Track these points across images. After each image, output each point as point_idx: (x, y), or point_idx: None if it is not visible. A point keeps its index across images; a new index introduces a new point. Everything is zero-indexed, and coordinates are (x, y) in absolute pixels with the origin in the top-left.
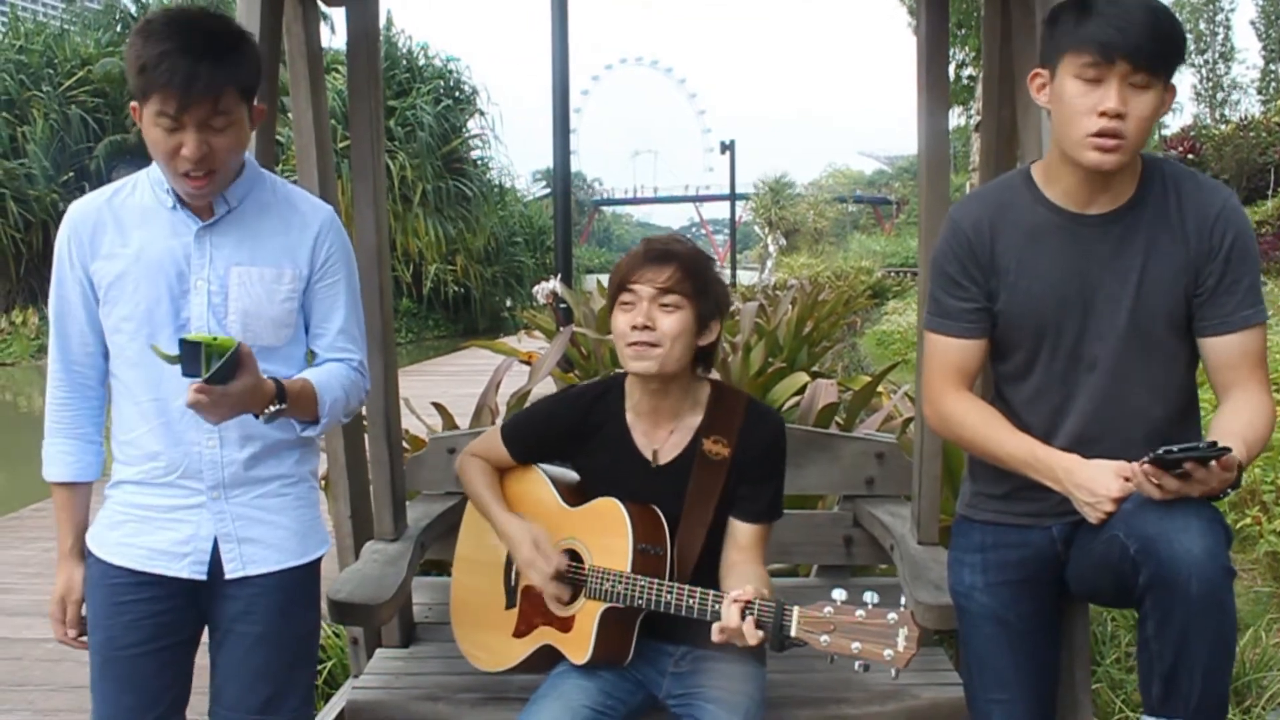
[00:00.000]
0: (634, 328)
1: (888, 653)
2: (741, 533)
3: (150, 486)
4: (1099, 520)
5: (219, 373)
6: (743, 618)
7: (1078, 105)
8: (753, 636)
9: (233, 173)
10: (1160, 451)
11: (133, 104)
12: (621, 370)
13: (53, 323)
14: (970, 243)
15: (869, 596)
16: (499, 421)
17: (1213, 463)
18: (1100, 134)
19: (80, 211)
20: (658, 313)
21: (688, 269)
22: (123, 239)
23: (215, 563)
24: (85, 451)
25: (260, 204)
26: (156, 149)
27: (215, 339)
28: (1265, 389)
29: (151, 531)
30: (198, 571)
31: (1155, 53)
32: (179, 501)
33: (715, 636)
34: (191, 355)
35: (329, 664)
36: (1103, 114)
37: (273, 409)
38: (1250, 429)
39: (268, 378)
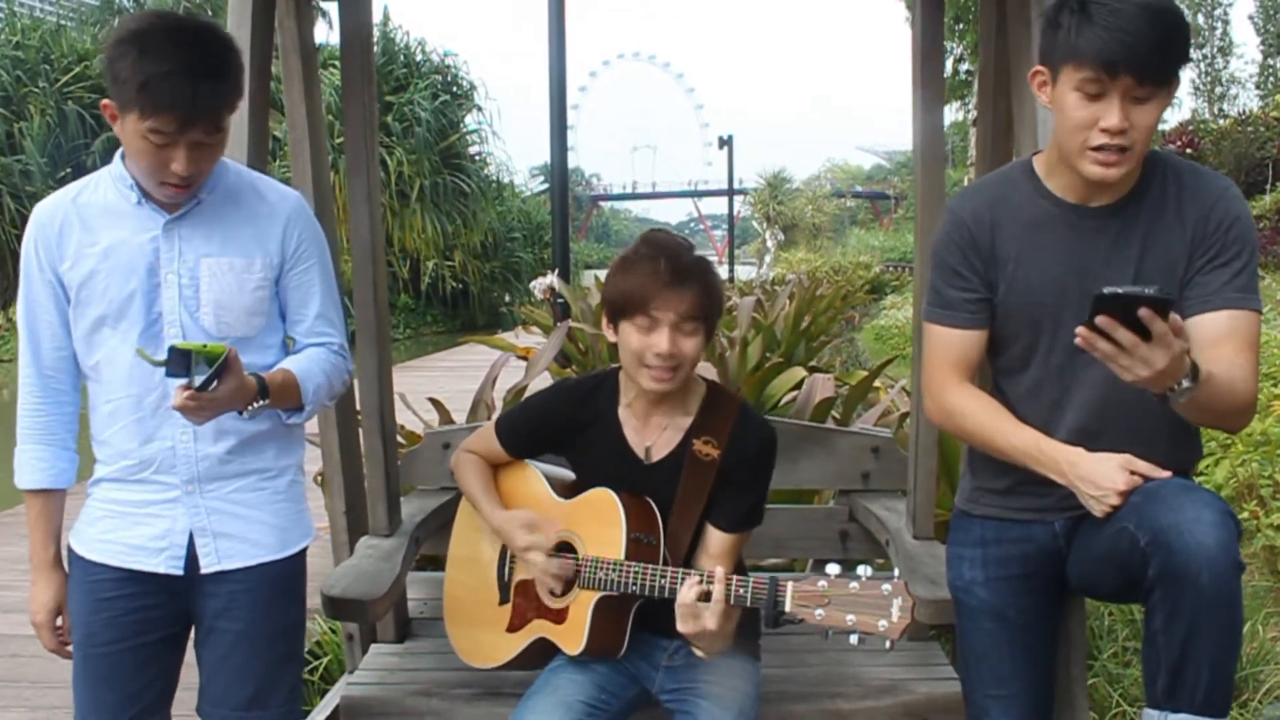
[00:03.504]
0: (659, 355)
1: (882, 623)
2: (715, 540)
3: (126, 483)
4: (1104, 514)
5: (209, 380)
6: (736, 598)
7: (1078, 119)
8: (712, 620)
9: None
10: (1106, 291)
11: (106, 103)
12: (616, 365)
13: (23, 327)
14: (971, 233)
15: (863, 569)
16: (495, 416)
17: (1171, 317)
18: (1102, 147)
19: (46, 213)
20: (681, 338)
21: (706, 290)
22: (90, 238)
23: (193, 558)
24: (59, 458)
25: (226, 194)
26: (141, 159)
27: (205, 346)
28: (1251, 369)
29: (129, 527)
30: (174, 566)
31: (1160, 64)
32: (154, 496)
33: (680, 625)
34: (180, 361)
35: (324, 660)
36: (1104, 130)
37: (256, 405)
38: (1226, 372)
39: (250, 374)
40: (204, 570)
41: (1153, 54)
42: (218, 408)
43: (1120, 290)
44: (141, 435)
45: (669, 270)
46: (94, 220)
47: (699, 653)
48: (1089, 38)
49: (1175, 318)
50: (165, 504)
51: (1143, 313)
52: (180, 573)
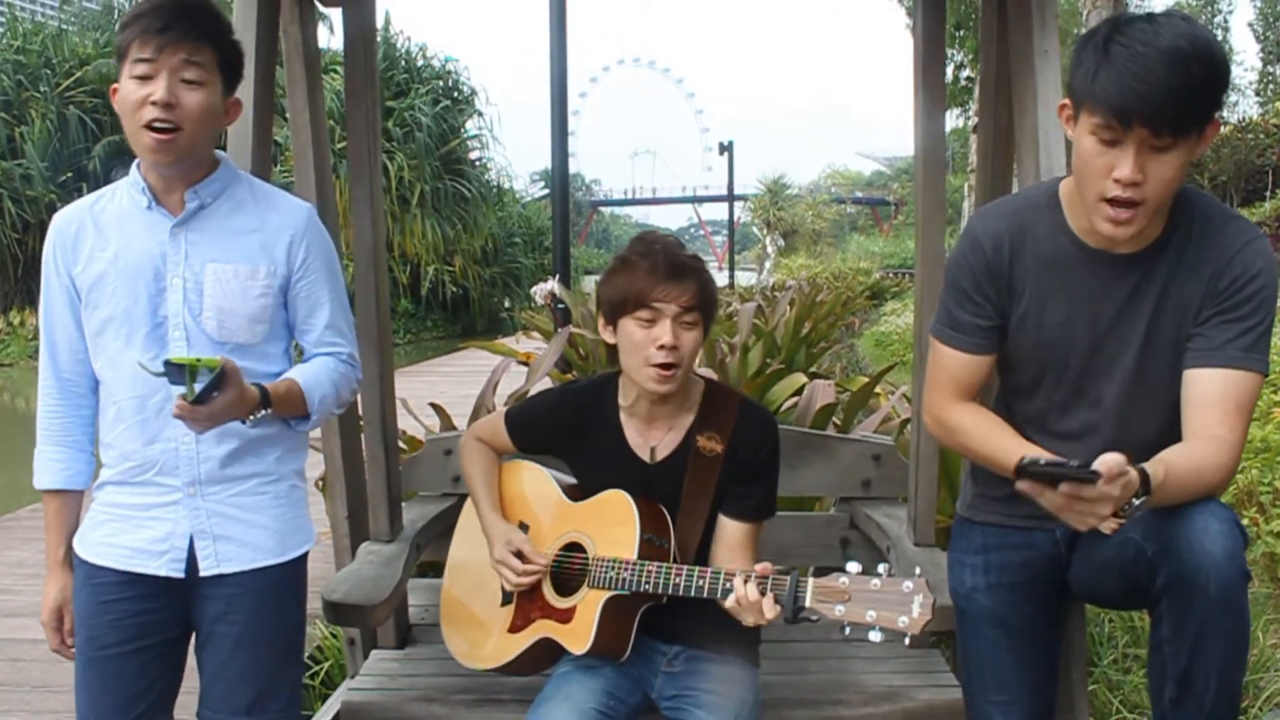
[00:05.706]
0: (660, 347)
1: (902, 620)
2: (731, 531)
3: (129, 485)
4: (1113, 531)
5: (204, 392)
6: (761, 593)
7: (1093, 165)
8: (770, 610)
9: (200, 149)
10: (1025, 461)
11: (113, 87)
12: (616, 369)
13: (42, 331)
14: (987, 259)
15: (883, 568)
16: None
17: (1108, 463)
18: (1114, 200)
19: (64, 219)
20: (681, 331)
21: (703, 285)
22: (102, 242)
23: (193, 561)
24: (75, 460)
25: (235, 202)
26: (126, 103)
27: (199, 360)
28: (1235, 438)
29: (131, 530)
30: (175, 569)
31: (1179, 115)
32: (156, 499)
33: (729, 604)
34: (177, 372)
35: (325, 665)
36: (1117, 180)
37: (258, 415)
38: (1186, 459)
39: (252, 384)
40: (203, 573)
41: (1170, 105)
42: (217, 418)
43: (1041, 462)
44: (145, 437)
45: (668, 264)
46: (107, 226)
47: (748, 620)
48: (1103, 83)
49: (1112, 461)
50: (167, 506)
51: (1063, 488)
52: (181, 575)
